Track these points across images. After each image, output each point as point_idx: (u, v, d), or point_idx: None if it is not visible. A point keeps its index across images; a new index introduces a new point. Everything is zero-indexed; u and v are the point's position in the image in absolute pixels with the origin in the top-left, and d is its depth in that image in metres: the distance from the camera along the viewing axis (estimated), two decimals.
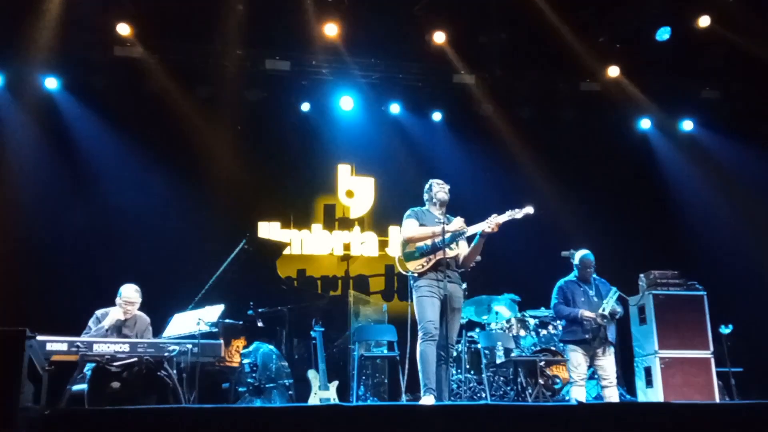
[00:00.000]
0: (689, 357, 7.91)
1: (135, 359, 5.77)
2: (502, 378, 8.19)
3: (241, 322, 7.44)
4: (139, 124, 9.70)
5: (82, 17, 9.00)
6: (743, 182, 10.46)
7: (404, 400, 7.78)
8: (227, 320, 7.12)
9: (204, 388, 6.28)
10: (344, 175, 10.98)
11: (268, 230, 10.44)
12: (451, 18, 9.78)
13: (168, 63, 9.69)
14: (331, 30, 9.57)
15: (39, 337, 5.33)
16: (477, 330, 8.67)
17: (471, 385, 8.05)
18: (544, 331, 8.58)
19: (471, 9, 9.74)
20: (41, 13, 8.80)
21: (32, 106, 9.53)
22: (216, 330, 6.78)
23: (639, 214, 10.80)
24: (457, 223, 6.11)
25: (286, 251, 9.51)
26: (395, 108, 10.81)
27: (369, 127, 10.80)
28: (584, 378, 7.04)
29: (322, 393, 7.51)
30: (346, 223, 10.84)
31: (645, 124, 11.27)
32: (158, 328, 7.12)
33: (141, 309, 7.05)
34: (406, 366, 7.49)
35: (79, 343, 5.76)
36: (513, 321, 8.60)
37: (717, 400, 7.77)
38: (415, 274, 6.10)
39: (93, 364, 5.82)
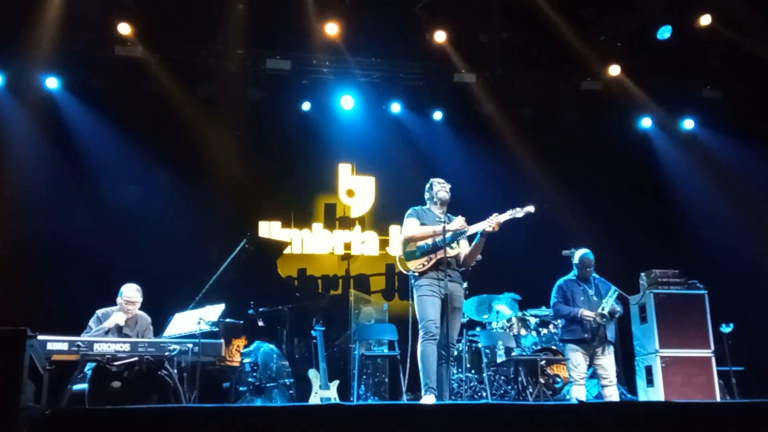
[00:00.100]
0: (690, 356, 7.91)
1: (136, 359, 5.77)
2: (502, 377, 8.19)
3: (241, 322, 7.44)
4: (140, 124, 9.70)
5: (82, 17, 9.01)
6: (744, 181, 10.45)
7: (405, 399, 7.78)
8: (228, 319, 7.13)
9: (204, 388, 6.28)
10: (345, 174, 10.99)
11: (269, 229, 10.44)
12: (452, 17, 9.77)
13: (169, 62, 9.70)
14: (331, 29, 9.57)
15: (40, 337, 5.34)
16: (478, 329, 8.67)
17: (472, 384, 8.05)
18: (544, 330, 8.57)
19: (472, 8, 9.74)
20: (42, 13, 8.80)
21: (33, 105, 9.54)
22: (217, 329, 6.77)
23: (640, 213, 10.80)
24: (458, 222, 6.11)
25: (287, 250, 9.52)
26: (396, 107, 10.81)
27: (370, 127, 10.80)
28: (584, 377, 7.05)
29: (323, 392, 7.52)
30: (346, 223, 10.84)
31: (646, 123, 11.26)
32: (159, 327, 7.12)
33: (142, 308, 7.05)
34: (407, 365, 7.49)
35: (79, 343, 5.76)
36: (514, 320, 8.60)
37: (718, 399, 7.77)
38: (416, 273, 6.09)
39: (93, 364, 5.82)
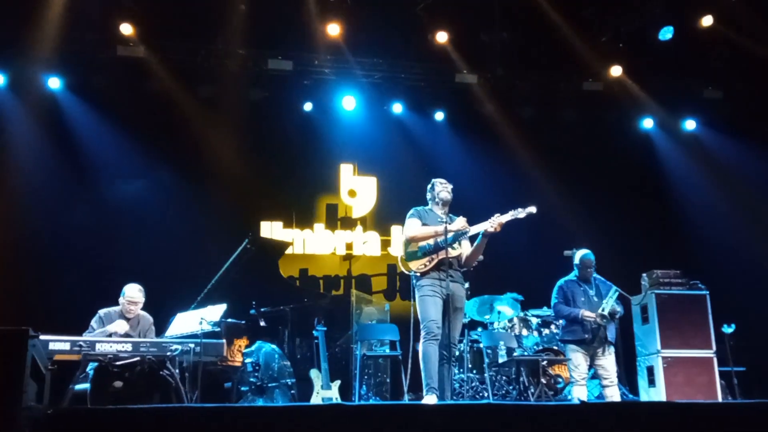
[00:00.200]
0: (692, 356, 7.90)
1: (137, 359, 5.78)
2: (504, 377, 8.19)
3: (243, 322, 7.44)
4: (142, 124, 9.71)
5: (84, 17, 9.02)
6: (746, 182, 10.45)
7: (406, 399, 7.78)
8: (229, 320, 7.13)
9: (206, 388, 6.28)
10: (346, 174, 10.99)
11: (271, 230, 10.45)
12: (454, 18, 9.78)
13: (170, 63, 9.71)
14: (333, 30, 9.58)
15: (42, 337, 5.35)
16: (479, 329, 8.67)
17: (473, 384, 8.05)
18: (546, 331, 8.57)
19: (473, 9, 9.75)
20: (44, 13, 8.81)
21: (35, 105, 9.55)
22: (218, 329, 6.78)
23: (641, 214, 10.80)
24: (460, 222, 6.11)
25: (289, 251, 9.52)
26: (397, 107, 10.82)
27: (371, 127, 10.81)
28: (585, 377, 7.05)
29: (325, 392, 7.52)
30: (348, 223, 10.85)
31: (647, 123, 11.27)
32: (161, 327, 7.13)
33: (144, 308, 7.06)
34: (409, 365, 7.49)
35: (81, 343, 5.77)
36: (515, 320, 8.60)
37: (719, 399, 7.76)
38: (418, 274, 6.09)
39: (95, 364, 5.83)
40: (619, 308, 7.05)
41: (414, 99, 10.81)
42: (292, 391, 7.56)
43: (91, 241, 9.38)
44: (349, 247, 10.75)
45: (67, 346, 5.72)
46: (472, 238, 6.20)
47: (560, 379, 8.04)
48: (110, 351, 5.79)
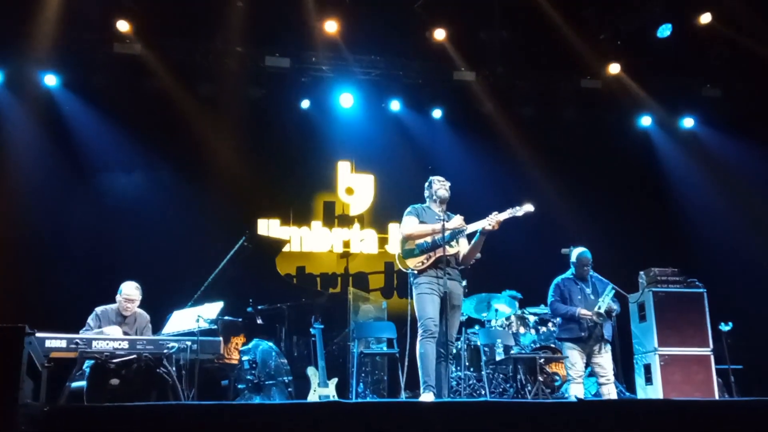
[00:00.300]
0: (689, 354, 7.91)
1: (134, 356, 5.76)
2: (501, 375, 8.19)
3: (240, 320, 7.44)
4: (139, 122, 9.69)
5: (81, 14, 9.00)
6: (744, 180, 10.46)
7: (403, 397, 7.78)
8: (226, 317, 7.12)
9: (203, 385, 6.28)
10: (344, 172, 10.98)
11: (268, 227, 10.44)
12: (452, 15, 9.77)
13: (168, 60, 9.69)
14: (331, 27, 9.57)
15: (38, 334, 5.33)
16: (477, 327, 8.67)
17: (470, 382, 8.05)
18: (543, 329, 8.58)
19: (472, 6, 9.75)
20: (41, 10, 8.79)
21: (32, 103, 9.53)
22: (215, 327, 6.77)
23: (639, 212, 10.81)
24: (457, 221, 6.10)
25: (286, 248, 9.51)
26: (395, 105, 10.80)
27: (369, 125, 10.80)
28: (582, 375, 7.05)
29: (322, 390, 7.51)
30: (345, 221, 10.84)
31: (646, 121, 11.27)
32: (158, 325, 7.12)
33: (141, 306, 7.06)
34: (406, 363, 7.49)
35: (78, 340, 5.77)
36: (513, 318, 8.60)
37: (716, 397, 7.77)
38: (415, 272, 6.09)
39: (92, 361, 5.81)
40: (615, 306, 7.05)
41: (412, 97, 10.79)
42: (289, 389, 7.56)
43: (87, 239, 9.37)
44: (346, 244, 10.75)
45: (63, 344, 5.72)
46: (470, 236, 6.19)
47: (557, 377, 8.05)
48: (107, 349, 5.78)
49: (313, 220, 10.73)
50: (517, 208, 6.08)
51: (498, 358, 8.08)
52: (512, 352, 8.04)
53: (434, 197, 6.30)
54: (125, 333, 6.75)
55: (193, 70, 9.88)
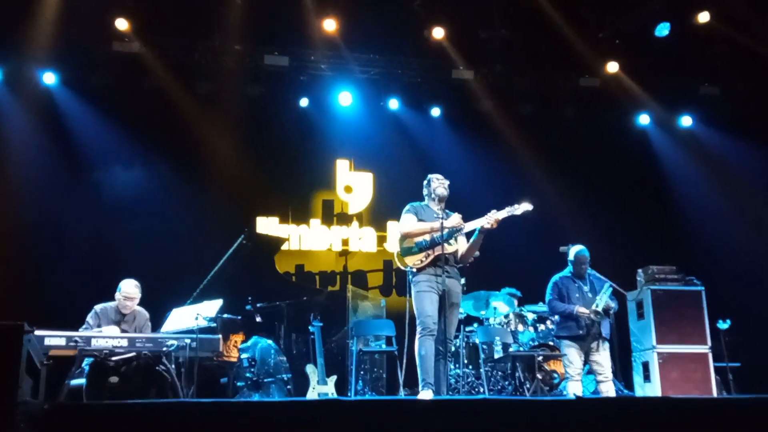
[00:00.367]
0: (687, 352, 7.90)
1: (133, 354, 5.76)
2: (500, 373, 8.19)
3: (239, 317, 7.44)
4: (138, 120, 9.69)
5: (80, 12, 9.00)
6: (742, 178, 10.48)
7: (402, 394, 7.79)
8: (226, 315, 7.13)
9: (202, 383, 6.29)
10: (343, 170, 10.98)
11: (267, 225, 10.44)
12: (451, 13, 9.78)
13: (166, 58, 9.68)
14: (330, 25, 9.56)
15: (37, 332, 5.34)
16: (475, 325, 8.67)
17: (469, 379, 8.05)
18: (542, 326, 8.58)
19: (470, 5, 9.75)
20: (39, 8, 8.79)
21: (30, 101, 9.51)
22: (214, 325, 6.78)
23: (638, 210, 10.81)
24: (454, 219, 6.10)
25: (285, 246, 9.51)
26: (394, 103, 10.80)
27: (368, 123, 10.80)
28: (580, 373, 7.06)
29: (321, 388, 7.52)
30: (344, 219, 10.85)
31: (644, 119, 11.27)
32: (157, 322, 7.13)
33: (140, 304, 7.06)
34: (404, 361, 7.50)
35: (77, 338, 5.77)
36: (511, 316, 8.60)
37: (715, 395, 7.78)
38: (414, 270, 6.09)
39: (91, 359, 5.82)
40: (613, 304, 7.06)
41: (411, 95, 10.80)
42: (288, 387, 7.56)
43: (87, 237, 9.37)
44: (345, 242, 10.75)
45: (62, 342, 5.72)
46: (469, 234, 6.20)
47: (556, 375, 8.05)
48: (106, 346, 5.78)
49: (312, 218, 10.74)
50: (516, 206, 6.09)
51: (496, 356, 8.09)
52: (511, 349, 8.05)
53: (433, 195, 6.30)
54: (124, 331, 6.75)
55: (192, 69, 9.88)
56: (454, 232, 6.11)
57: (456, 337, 7.59)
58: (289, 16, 9.45)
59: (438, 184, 6.32)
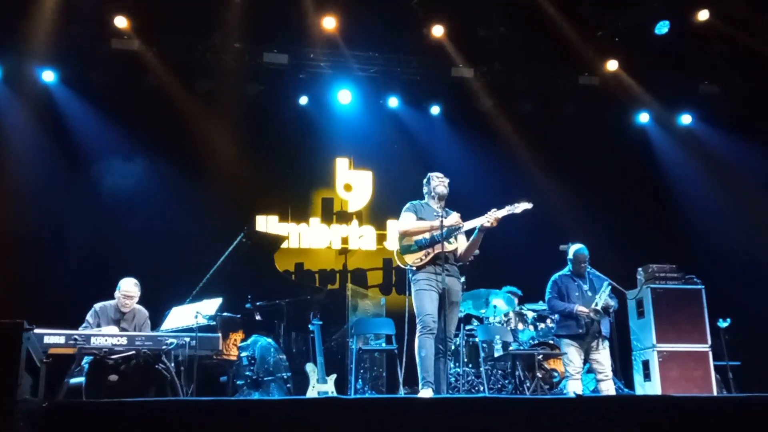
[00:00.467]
0: (687, 351, 7.91)
1: (133, 352, 5.76)
2: (500, 371, 8.18)
3: (239, 316, 7.45)
4: (137, 118, 9.68)
5: (79, 10, 8.99)
6: (742, 176, 10.47)
7: (402, 393, 7.78)
8: (225, 313, 7.13)
9: (202, 381, 6.29)
10: (342, 168, 10.98)
11: (266, 223, 10.44)
12: (450, 11, 9.77)
13: (166, 56, 9.68)
14: (329, 23, 9.56)
15: (37, 330, 5.32)
16: (475, 323, 8.67)
17: (469, 378, 8.05)
18: (542, 325, 8.57)
19: (470, 2, 9.74)
20: (39, 6, 8.78)
21: (30, 98, 9.51)
22: (214, 323, 6.79)
23: (637, 208, 10.81)
24: (453, 218, 6.09)
25: (284, 245, 9.50)
26: (393, 101, 10.80)
27: (367, 121, 10.79)
28: (580, 371, 7.06)
29: (320, 386, 7.51)
30: (344, 217, 10.84)
31: (643, 117, 11.27)
32: (156, 321, 7.12)
33: (139, 302, 7.06)
34: (404, 359, 7.49)
35: (76, 336, 5.77)
36: (511, 314, 8.60)
37: (715, 393, 7.78)
38: (414, 268, 6.09)
39: (91, 357, 5.81)
40: (612, 302, 7.06)
41: (410, 93, 10.79)
42: (288, 385, 7.56)
43: (86, 235, 9.36)
44: (344, 241, 10.75)
45: (62, 340, 5.72)
46: (469, 233, 6.19)
47: (556, 374, 8.05)
48: (105, 345, 5.77)
49: (312, 216, 10.74)
50: (516, 205, 6.09)
51: (496, 355, 8.09)
52: (511, 348, 8.04)
53: (433, 194, 6.30)
54: (124, 329, 6.75)
55: (191, 67, 9.87)
56: (452, 232, 6.10)
57: (456, 335, 7.59)
58: (289, 14, 9.44)
59: (438, 182, 6.32)
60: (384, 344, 8.44)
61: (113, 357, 5.72)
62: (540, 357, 7.76)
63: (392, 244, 10.26)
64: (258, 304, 7.83)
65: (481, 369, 7.94)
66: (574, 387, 6.97)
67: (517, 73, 10.67)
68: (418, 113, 10.93)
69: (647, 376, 8.01)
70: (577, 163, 10.69)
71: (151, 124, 9.71)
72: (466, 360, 8.18)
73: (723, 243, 10.17)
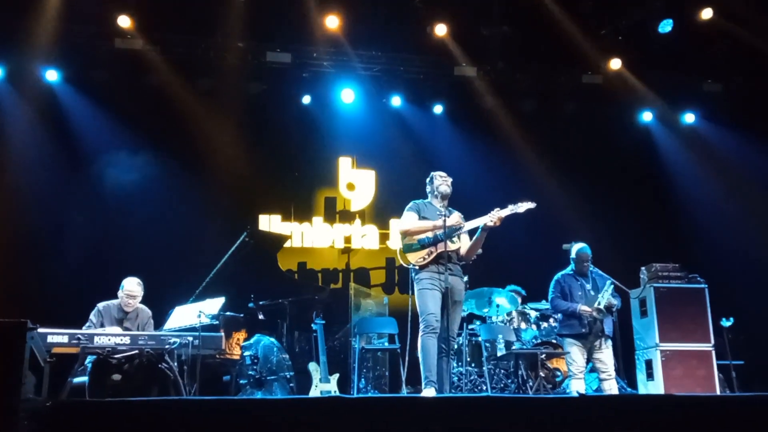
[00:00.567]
0: (690, 350, 7.91)
1: (136, 351, 5.77)
2: (502, 371, 8.19)
3: (241, 315, 7.45)
4: (140, 117, 9.68)
5: (82, 9, 9.00)
6: (745, 175, 10.45)
7: (405, 392, 7.79)
8: (228, 313, 7.13)
9: (205, 381, 6.29)
10: (345, 167, 10.98)
11: (269, 223, 10.44)
12: (453, 10, 9.76)
13: (169, 55, 9.68)
14: (332, 22, 9.55)
15: (40, 330, 5.36)
16: (478, 323, 8.66)
17: (472, 377, 8.05)
18: (545, 324, 8.57)
19: (473, 1, 9.74)
20: (42, 5, 8.79)
21: (33, 98, 9.53)
22: (217, 322, 6.79)
23: (641, 207, 10.80)
24: (454, 218, 6.08)
25: (287, 244, 9.50)
26: (396, 101, 10.79)
27: (370, 120, 10.79)
28: (583, 371, 7.06)
29: (323, 385, 7.52)
30: (346, 216, 10.84)
31: (647, 116, 11.26)
32: (159, 320, 7.13)
33: (142, 301, 7.06)
34: (407, 358, 7.49)
35: (80, 336, 5.77)
36: (514, 314, 8.59)
37: (718, 392, 7.77)
38: (417, 267, 6.09)
39: (94, 357, 5.83)
40: (615, 301, 7.05)
41: (413, 92, 10.78)
42: (291, 384, 7.56)
43: (89, 235, 9.36)
44: (347, 240, 10.75)
45: (65, 339, 5.72)
46: (472, 232, 6.19)
47: (558, 373, 8.05)
48: (109, 344, 5.78)
49: (315, 215, 10.74)
50: (519, 204, 6.08)
51: (499, 354, 8.08)
52: (513, 347, 8.03)
53: (436, 193, 6.30)
54: (127, 329, 6.76)
55: (194, 66, 9.88)
56: (452, 232, 6.09)
57: (459, 334, 7.59)
58: (291, 13, 9.44)
59: (441, 181, 6.31)
60: (387, 343, 8.45)
61: (116, 356, 5.73)
62: (543, 356, 7.75)
63: (394, 243, 10.25)
64: (261, 303, 7.83)
65: (484, 368, 7.94)
66: (577, 386, 6.97)
67: (520, 71, 10.66)
68: (421, 112, 10.93)
69: (650, 376, 8.01)
70: (580, 161, 10.68)
71: (155, 123, 9.71)
72: (469, 359, 8.18)
73: (726, 242, 10.16)
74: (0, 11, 8.69)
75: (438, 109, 10.93)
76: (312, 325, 7.89)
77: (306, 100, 10.56)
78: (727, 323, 8.21)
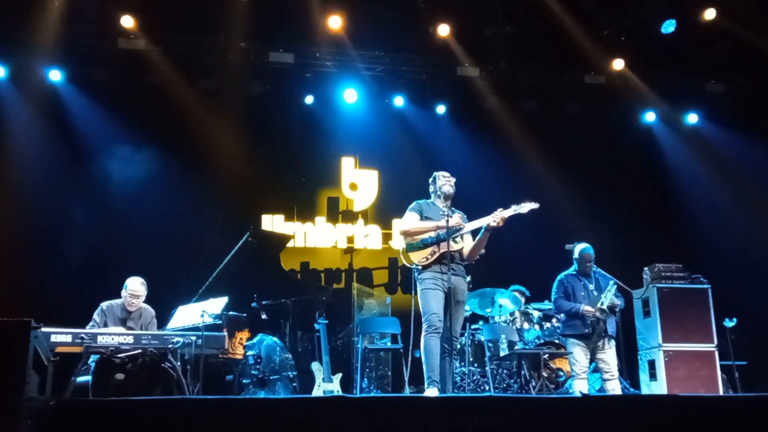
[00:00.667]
0: (693, 350, 7.89)
1: (139, 351, 5.78)
2: (505, 371, 8.18)
3: (244, 315, 7.45)
4: (143, 117, 9.70)
5: (85, 9, 9.02)
6: (748, 175, 10.44)
7: (407, 392, 7.79)
8: (231, 312, 7.14)
9: (208, 380, 6.30)
10: (348, 167, 10.98)
11: (272, 223, 10.45)
12: (456, 10, 9.77)
13: (172, 55, 9.69)
14: (335, 22, 9.56)
15: (44, 329, 5.35)
16: (481, 323, 8.66)
17: (474, 377, 8.05)
18: (547, 324, 8.56)
19: (475, 1, 9.74)
20: (45, 6, 8.81)
21: (36, 98, 9.54)
22: (220, 322, 6.80)
23: (644, 207, 10.79)
24: (454, 219, 6.07)
25: (290, 244, 9.51)
26: (399, 101, 10.80)
27: (373, 120, 10.80)
28: (586, 371, 7.05)
29: (326, 385, 7.52)
30: (349, 216, 10.85)
31: (650, 117, 11.25)
32: (162, 320, 7.14)
33: (146, 301, 7.07)
34: (410, 358, 7.49)
35: (83, 335, 5.78)
36: (517, 314, 8.59)
37: (721, 393, 7.76)
38: (420, 267, 6.09)
39: (97, 356, 5.84)
40: (618, 301, 7.05)
41: (416, 92, 10.79)
42: (294, 384, 7.57)
43: (92, 234, 9.37)
44: (350, 240, 10.76)
45: (68, 339, 5.73)
46: (475, 232, 6.19)
47: (561, 373, 8.05)
48: (112, 343, 5.79)
49: (317, 215, 10.74)
50: (522, 204, 6.08)
51: (502, 354, 8.08)
52: (516, 347, 8.03)
53: (439, 193, 6.30)
54: (130, 328, 6.77)
55: (197, 66, 9.90)
56: (453, 233, 6.09)
57: (461, 334, 7.59)
58: (294, 13, 9.44)
59: (444, 181, 6.31)
60: (389, 343, 8.45)
61: (120, 356, 5.74)
62: (546, 356, 7.75)
63: (397, 243, 10.26)
64: (264, 303, 7.84)
65: (487, 368, 7.94)
66: (579, 386, 6.97)
67: (523, 72, 10.67)
68: (424, 112, 10.94)
69: (653, 376, 8.00)
70: (583, 162, 10.67)
71: (158, 123, 9.72)
72: (471, 359, 8.18)
73: (729, 242, 10.15)
74: (3, 11, 8.70)
75: (441, 109, 10.94)
76: (315, 324, 7.89)
77: (309, 100, 10.57)
78: (730, 324, 8.19)
